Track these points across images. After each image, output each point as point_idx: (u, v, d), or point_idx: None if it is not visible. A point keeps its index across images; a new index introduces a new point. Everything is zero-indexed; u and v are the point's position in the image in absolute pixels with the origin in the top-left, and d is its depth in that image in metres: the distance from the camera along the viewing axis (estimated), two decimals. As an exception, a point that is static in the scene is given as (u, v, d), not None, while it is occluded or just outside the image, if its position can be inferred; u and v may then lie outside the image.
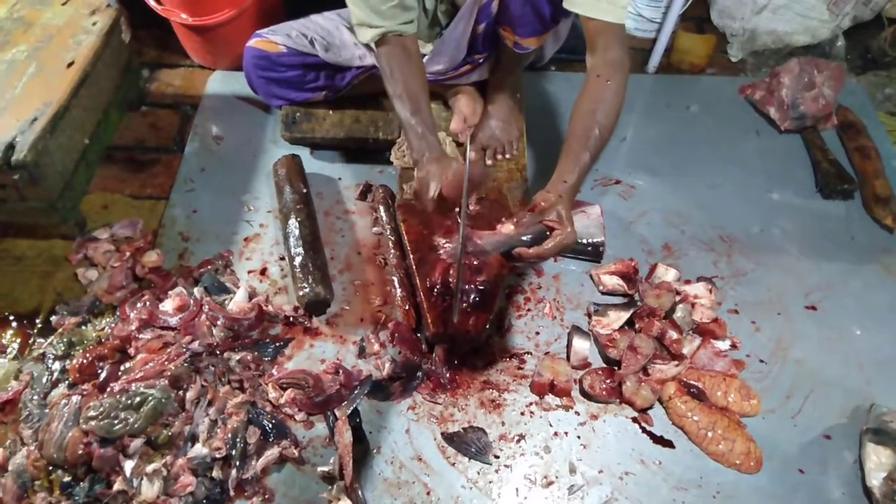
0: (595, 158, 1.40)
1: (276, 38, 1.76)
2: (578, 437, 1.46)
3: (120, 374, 1.43)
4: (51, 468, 1.32)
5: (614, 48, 1.41)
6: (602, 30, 1.40)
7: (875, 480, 1.37)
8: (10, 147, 1.55)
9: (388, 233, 1.72)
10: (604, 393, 1.48)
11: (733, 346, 1.59)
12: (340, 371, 1.50)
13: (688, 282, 1.69)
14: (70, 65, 1.76)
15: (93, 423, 1.31)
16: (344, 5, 1.57)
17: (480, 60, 1.79)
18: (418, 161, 1.48)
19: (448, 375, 1.52)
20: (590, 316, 1.63)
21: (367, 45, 1.56)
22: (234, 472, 1.35)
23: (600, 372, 1.52)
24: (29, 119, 1.61)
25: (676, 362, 1.54)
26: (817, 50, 2.26)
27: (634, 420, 1.49)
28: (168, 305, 1.56)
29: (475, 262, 1.57)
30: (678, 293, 1.64)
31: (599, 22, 1.39)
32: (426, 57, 1.73)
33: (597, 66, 1.42)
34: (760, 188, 1.94)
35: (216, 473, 1.35)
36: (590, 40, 1.43)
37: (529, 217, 1.33)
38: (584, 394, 1.51)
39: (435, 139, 1.50)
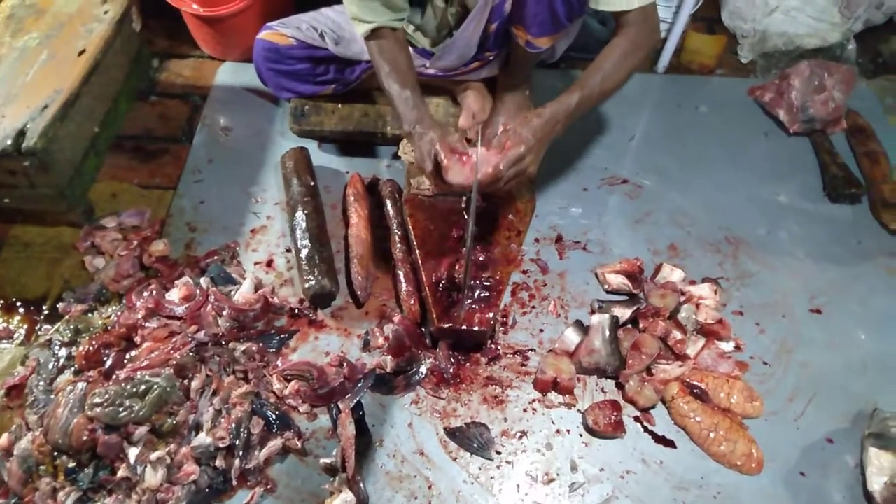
0: (587, 100, 1.49)
1: (287, 30, 1.76)
2: (580, 435, 1.46)
3: (125, 361, 1.44)
4: (56, 453, 1.33)
5: (639, 24, 1.49)
6: (626, 15, 1.48)
7: (876, 485, 1.37)
8: (21, 133, 1.56)
9: (395, 227, 1.72)
10: (609, 429, 1.44)
11: (737, 348, 1.59)
12: (344, 364, 1.50)
13: (693, 282, 1.69)
14: (81, 53, 1.76)
15: (98, 409, 1.32)
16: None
17: (490, 58, 1.79)
18: (411, 133, 1.53)
19: (451, 371, 1.52)
20: (593, 312, 1.64)
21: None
22: (237, 461, 1.36)
23: (604, 406, 1.48)
24: (40, 106, 1.62)
25: (680, 363, 1.54)
26: (828, 53, 2.25)
27: (637, 419, 1.49)
28: (174, 295, 1.57)
29: (481, 258, 1.58)
30: (683, 293, 1.64)
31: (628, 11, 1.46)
32: (435, 55, 1.72)
33: (620, 29, 1.52)
34: (768, 190, 1.94)
35: (219, 463, 1.36)
36: (615, 19, 1.51)
37: (496, 139, 1.46)
38: (588, 429, 1.47)
39: (427, 111, 1.55)
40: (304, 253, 1.63)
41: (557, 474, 1.41)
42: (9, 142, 1.54)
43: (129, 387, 1.35)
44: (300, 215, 1.69)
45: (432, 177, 1.50)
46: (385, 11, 1.53)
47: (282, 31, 1.76)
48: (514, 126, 1.45)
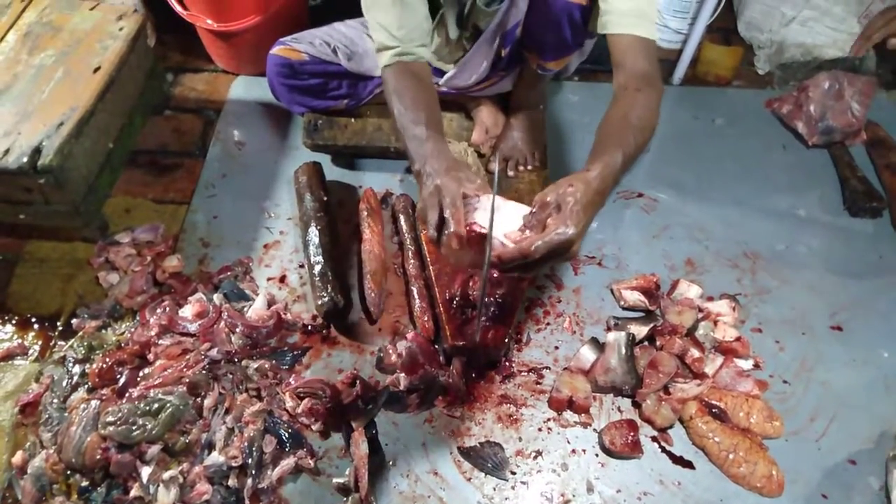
0: (627, 163, 1.18)
1: (300, 46, 1.76)
2: (596, 455, 1.44)
3: (139, 379, 1.44)
4: (69, 472, 1.33)
5: (643, 63, 1.32)
6: (630, 46, 1.33)
7: (902, 508, 1.34)
8: (37, 151, 1.57)
9: (408, 242, 1.72)
10: (626, 449, 1.41)
11: (756, 366, 1.56)
12: (358, 381, 1.49)
13: (710, 298, 1.66)
14: (96, 70, 1.77)
15: (111, 428, 1.31)
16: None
17: (504, 76, 1.78)
18: (420, 172, 1.24)
19: (465, 389, 1.51)
20: (609, 330, 1.61)
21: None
22: (249, 481, 1.35)
23: (620, 425, 1.45)
24: (55, 124, 1.62)
25: (698, 381, 1.51)
26: (847, 63, 2.22)
27: (654, 439, 1.46)
28: (187, 311, 1.57)
29: (495, 275, 1.56)
30: (700, 310, 1.62)
31: (628, 37, 1.32)
32: (447, 74, 1.72)
33: (626, 80, 1.31)
34: (786, 204, 1.91)
35: (232, 482, 1.35)
36: (617, 59, 1.34)
37: (532, 217, 1.12)
38: (604, 449, 1.44)
39: (444, 148, 1.28)
40: (317, 269, 1.62)
41: (573, 495, 1.38)
42: (24, 160, 1.55)
43: (142, 405, 1.35)
44: (313, 230, 1.68)
45: (434, 242, 1.18)
46: (409, 37, 1.41)
47: (295, 47, 1.76)
48: (557, 197, 1.08)
